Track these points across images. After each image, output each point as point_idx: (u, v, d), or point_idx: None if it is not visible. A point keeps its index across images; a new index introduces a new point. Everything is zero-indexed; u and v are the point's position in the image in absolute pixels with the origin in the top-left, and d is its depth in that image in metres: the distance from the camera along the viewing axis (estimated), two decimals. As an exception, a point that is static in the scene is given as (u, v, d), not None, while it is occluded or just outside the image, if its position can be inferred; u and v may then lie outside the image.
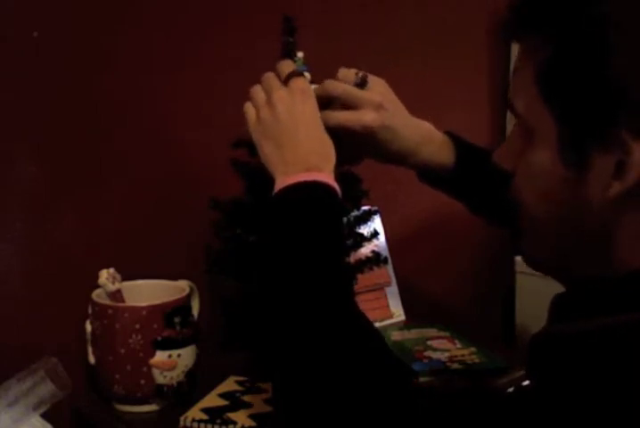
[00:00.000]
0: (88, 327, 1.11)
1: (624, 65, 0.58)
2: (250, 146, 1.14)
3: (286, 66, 0.87)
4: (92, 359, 1.11)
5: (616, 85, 0.58)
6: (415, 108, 1.61)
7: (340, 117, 0.86)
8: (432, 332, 1.38)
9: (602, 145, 0.59)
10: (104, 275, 1.11)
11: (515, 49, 1.61)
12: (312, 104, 0.83)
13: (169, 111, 1.27)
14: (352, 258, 1.22)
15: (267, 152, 0.81)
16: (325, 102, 0.87)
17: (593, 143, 0.60)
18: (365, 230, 1.21)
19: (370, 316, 1.45)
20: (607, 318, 0.60)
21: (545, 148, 0.63)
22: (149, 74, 1.24)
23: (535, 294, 1.54)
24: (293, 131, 0.80)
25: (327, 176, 0.78)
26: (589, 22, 0.59)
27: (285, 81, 0.84)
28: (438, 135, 0.96)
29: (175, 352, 1.08)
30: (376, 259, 1.24)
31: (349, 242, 1.19)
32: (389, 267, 1.49)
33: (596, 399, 0.57)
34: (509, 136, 0.71)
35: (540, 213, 0.66)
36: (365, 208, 1.22)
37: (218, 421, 1.02)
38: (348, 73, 0.90)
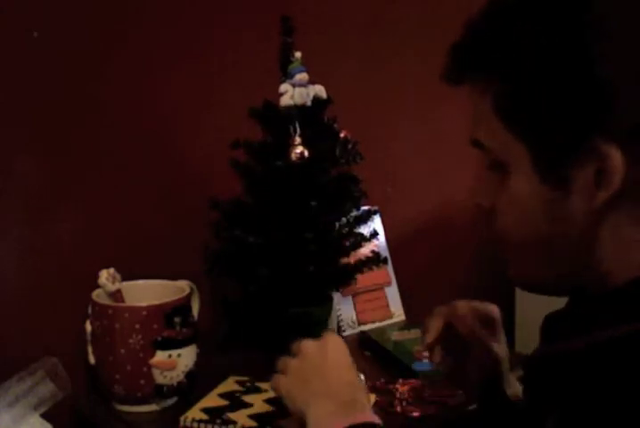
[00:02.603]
0: (88, 327, 1.11)
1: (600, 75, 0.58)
2: (247, 146, 1.14)
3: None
4: (92, 359, 1.11)
5: (580, 98, 0.58)
6: (415, 107, 1.61)
7: None
8: (432, 332, 1.38)
9: (577, 159, 0.60)
10: (104, 275, 1.11)
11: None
12: (343, 351, 0.82)
13: (169, 111, 1.27)
14: (352, 258, 1.22)
15: (296, 395, 0.79)
16: None
17: (568, 158, 0.60)
18: (365, 230, 1.21)
19: (370, 316, 1.48)
20: (602, 332, 0.61)
21: (521, 174, 0.63)
22: (149, 75, 1.24)
23: (535, 295, 1.54)
24: (323, 375, 0.79)
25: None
26: (531, 50, 0.60)
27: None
28: None
29: (175, 352, 1.08)
30: (376, 259, 1.24)
31: (349, 241, 1.20)
32: (389, 267, 1.49)
33: (608, 413, 0.58)
34: (478, 175, 0.71)
35: (529, 238, 0.66)
36: (364, 208, 1.22)
37: (218, 421, 1.02)
38: None
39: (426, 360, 1.24)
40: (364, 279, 1.30)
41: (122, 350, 1.06)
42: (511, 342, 1.68)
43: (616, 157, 0.58)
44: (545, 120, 0.60)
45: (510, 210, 0.66)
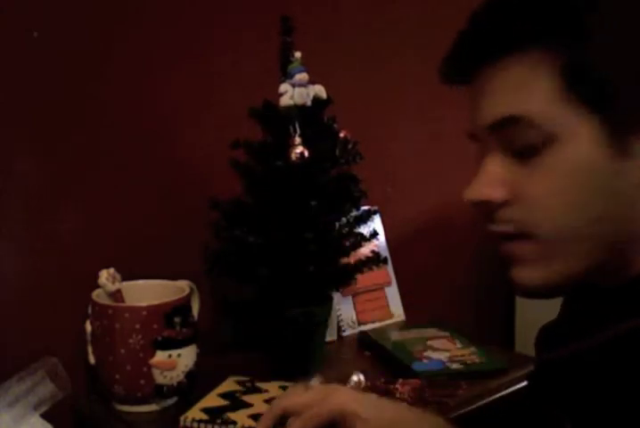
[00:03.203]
0: (88, 327, 1.11)
1: None
2: (247, 146, 1.14)
3: None
4: (92, 359, 1.11)
5: None
6: (415, 107, 1.61)
7: None
8: (432, 332, 1.38)
9: None
10: (104, 275, 1.11)
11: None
12: None
13: (169, 111, 1.27)
14: (352, 258, 1.22)
15: None
16: None
17: (636, 122, 0.59)
18: (364, 230, 1.21)
19: (370, 316, 1.48)
20: (615, 327, 0.60)
21: (577, 147, 0.60)
22: (149, 75, 1.24)
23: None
24: None
25: None
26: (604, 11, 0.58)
27: None
28: None
29: (175, 352, 1.08)
30: (376, 259, 1.24)
31: (349, 241, 1.20)
32: (389, 267, 1.49)
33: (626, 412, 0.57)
34: (487, 167, 0.64)
35: (571, 225, 0.61)
36: (364, 208, 1.22)
37: (218, 421, 1.02)
38: None
39: (426, 360, 1.25)
40: (364, 279, 1.30)
41: (122, 350, 1.06)
42: (511, 342, 1.68)
43: None
44: (623, 84, 0.59)
45: (550, 194, 0.61)
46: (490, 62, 0.62)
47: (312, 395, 0.73)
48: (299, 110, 1.12)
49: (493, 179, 0.64)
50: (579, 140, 0.60)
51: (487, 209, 0.65)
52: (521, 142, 0.62)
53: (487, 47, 0.62)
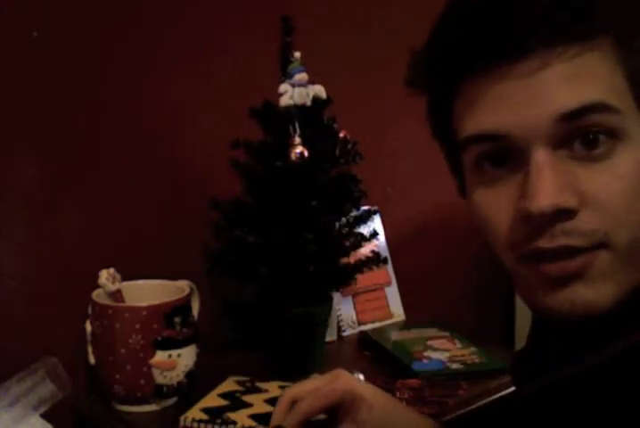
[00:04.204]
0: (88, 327, 1.11)
1: None
2: (247, 146, 1.14)
3: None
4: (92, 359, 1.11)
5: None
6: (415, 107, 1.61)
7: None
8: (432, 332, 1.38)
9: None
10: (104, 275, 1.11)
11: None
12: None
13: (169, 111, 1.27)
14: (352, 258, 1.22)
15: None
16: None
17: None
18: (364, 230, 1.21)
19: (370, 316, 1.48)
20: (610, 348, 0.57)
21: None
22: (149, 74, 1.24)
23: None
24: None
25: None
26: None
27: None
28: None
29: (175, 352, 1.08)
30: (376, 259, 1.24)
31: (349, 241, 1.20)
32: (389, 267, 1.49)
33: None
34: (552, 172, 0.55)
35: None
36: (364, 208, 1.22)
37: (218, 421, 1.02)
38: None
39: (426, 360, 1.25)
40: (364, 279, 1.30)
41: (122, 350, 1.06)
42: (510, 342, 1.68)
43: None
44: None
45: (625, 197, 0.55)
46: (544, 50, 0.55)
47: (320, 380, 0.74)
48: (298, 110, 1.12)
49: (562, 183, 0.55)
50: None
51: (556, 220, 0.55)
52: (600, 130, 0.55)
53: (562, 30, 0.54)
